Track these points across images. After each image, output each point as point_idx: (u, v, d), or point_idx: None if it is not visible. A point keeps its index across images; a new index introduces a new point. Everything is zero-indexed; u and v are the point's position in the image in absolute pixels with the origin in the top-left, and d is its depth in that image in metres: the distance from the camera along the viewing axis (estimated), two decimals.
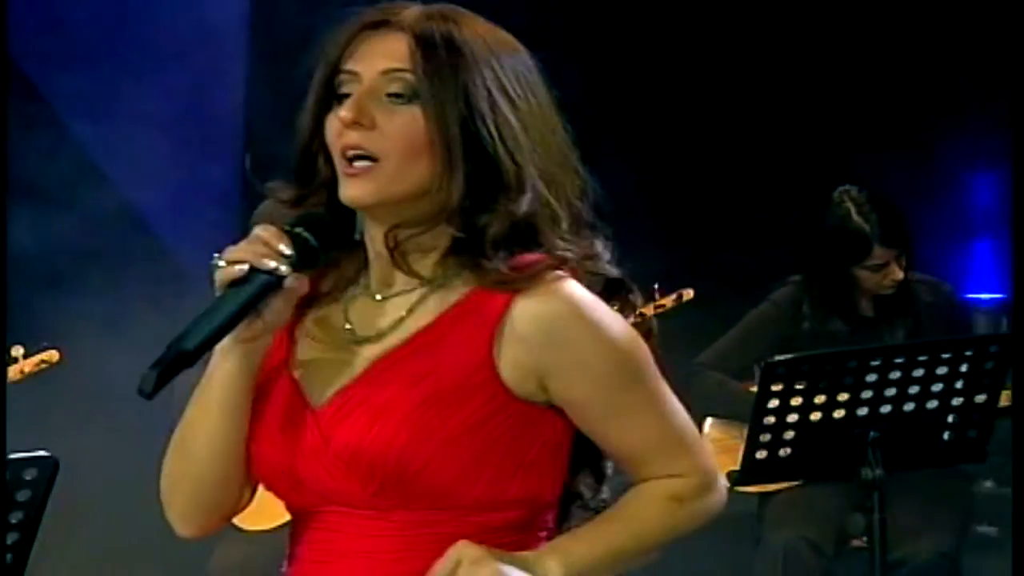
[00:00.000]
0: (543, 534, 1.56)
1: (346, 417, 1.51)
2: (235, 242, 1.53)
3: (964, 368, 3.08)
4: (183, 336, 1.46)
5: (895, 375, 3.09)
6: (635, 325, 1.54)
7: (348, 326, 1.57)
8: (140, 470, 4.16)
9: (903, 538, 3.48)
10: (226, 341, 1.52)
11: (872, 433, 3.09)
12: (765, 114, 5.45)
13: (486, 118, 1.49)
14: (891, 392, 3.10)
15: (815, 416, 3.13)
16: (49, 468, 2.67)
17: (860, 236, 3.76)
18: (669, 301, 4.24)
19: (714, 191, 5.47)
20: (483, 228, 1.50)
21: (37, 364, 3.67)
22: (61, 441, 3.20)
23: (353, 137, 1.50)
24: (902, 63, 5.56)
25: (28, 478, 2.62)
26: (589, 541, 1.54)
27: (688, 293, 4.28)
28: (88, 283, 4.30)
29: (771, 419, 3.14)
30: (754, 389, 3.41)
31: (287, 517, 3.59)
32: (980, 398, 3.12)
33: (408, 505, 1.50)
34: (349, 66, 1.52)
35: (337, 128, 1.51)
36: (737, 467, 3.21)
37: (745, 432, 3.28)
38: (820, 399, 3.12)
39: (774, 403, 3.12)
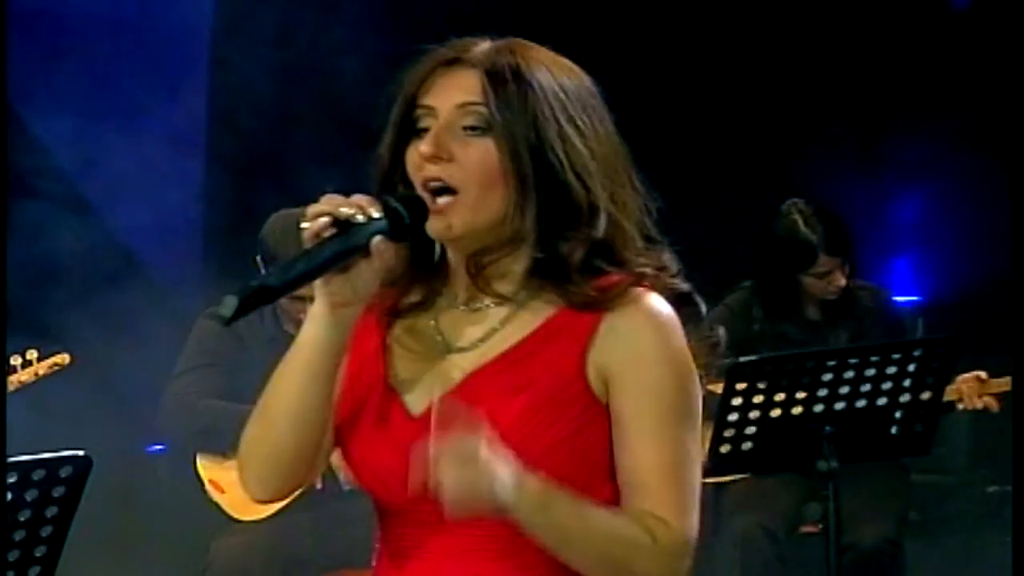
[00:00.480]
0: None
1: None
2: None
3: (911, 368, 3.37)
4: (270, 275, 1.53)
5: (848, 375, 3.37)
6: (705, 337, 1.65)
7: (439, 336, 1.64)
8: (141, 466, 4.33)
9: (850, 525, 3.72)
10: (317, 307, 1.58)
11: (827, 428, 3.36)
12: (714, 129, 5.70)
13: (555, 147, 1.58)
14: (844, 390, 3.37)
15: (775, 412, 3.38)
16: (83, 466, 2.85)
17: (807, 246, 4.02)
18: None
19: (669, 202, 5.69)
20: (565, 256, 1.58)
21: (50, 367, 3.85)
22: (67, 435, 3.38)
23: (433, 170, 1.58)
24: (845, 85, 5.87)
25: (63, 475, 2.78)
26: (568, 505, 1.53)
27: None
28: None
29: (735, 416, 3.38)
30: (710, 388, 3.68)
31: (278, 506, 3.69)
32: (925, 395, 3.40)
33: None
34: (426, 101, 1.61)
35: (417, 162, 1.60)
36: None
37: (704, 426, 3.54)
38: (780, 397, 3.37)
39: (738, 401, 3.37)
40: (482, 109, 1.58)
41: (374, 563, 1.71)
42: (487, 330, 1.62)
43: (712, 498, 4.04)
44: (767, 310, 4.13)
